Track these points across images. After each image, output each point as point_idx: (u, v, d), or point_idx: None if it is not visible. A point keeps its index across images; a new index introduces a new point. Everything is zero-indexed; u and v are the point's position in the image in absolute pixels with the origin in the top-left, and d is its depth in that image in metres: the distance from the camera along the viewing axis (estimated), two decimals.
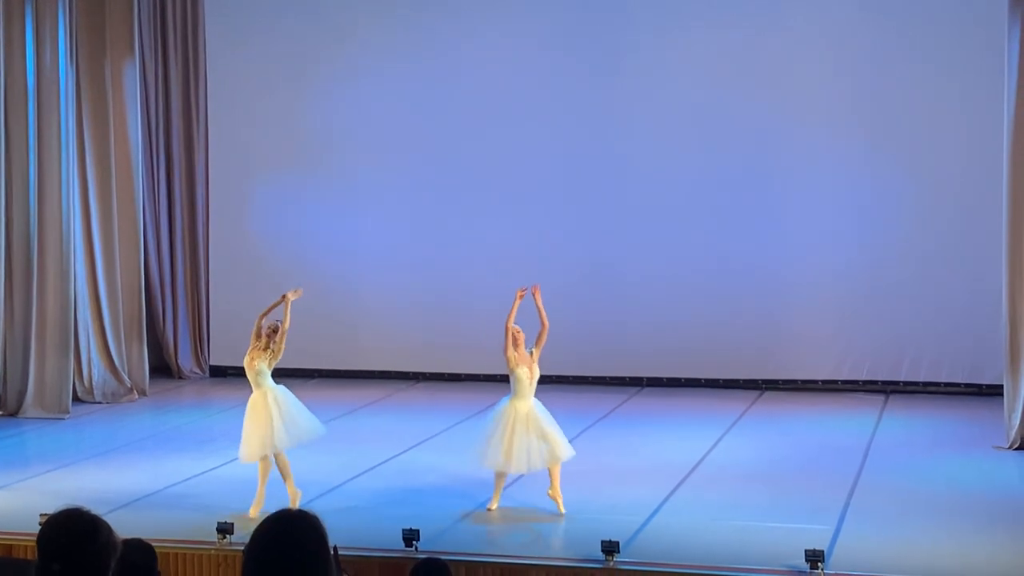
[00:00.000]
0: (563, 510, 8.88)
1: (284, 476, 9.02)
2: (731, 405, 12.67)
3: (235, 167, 14.87)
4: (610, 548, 7.69)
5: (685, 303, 13.71)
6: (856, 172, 13.46)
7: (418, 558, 7.64)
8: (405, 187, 14.52)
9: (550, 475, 9.00)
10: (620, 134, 13.97)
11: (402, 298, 14.41)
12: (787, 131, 13.59)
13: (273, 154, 14.77)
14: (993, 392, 12.22)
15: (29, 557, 7.17)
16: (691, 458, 10.52)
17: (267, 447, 8.96)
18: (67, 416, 12.51)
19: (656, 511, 8.93)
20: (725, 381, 13.70)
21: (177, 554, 8.05)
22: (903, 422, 12.07)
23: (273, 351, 9.35)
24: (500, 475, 9.06)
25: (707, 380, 13.66)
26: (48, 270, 12.65)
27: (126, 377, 13.44)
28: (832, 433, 11.58)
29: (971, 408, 12.54)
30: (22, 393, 12.60)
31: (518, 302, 9.17)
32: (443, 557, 6.32)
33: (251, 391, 9.38)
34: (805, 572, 7.44)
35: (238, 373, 14.70)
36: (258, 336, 9.39)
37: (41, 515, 6.70)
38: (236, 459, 10.55)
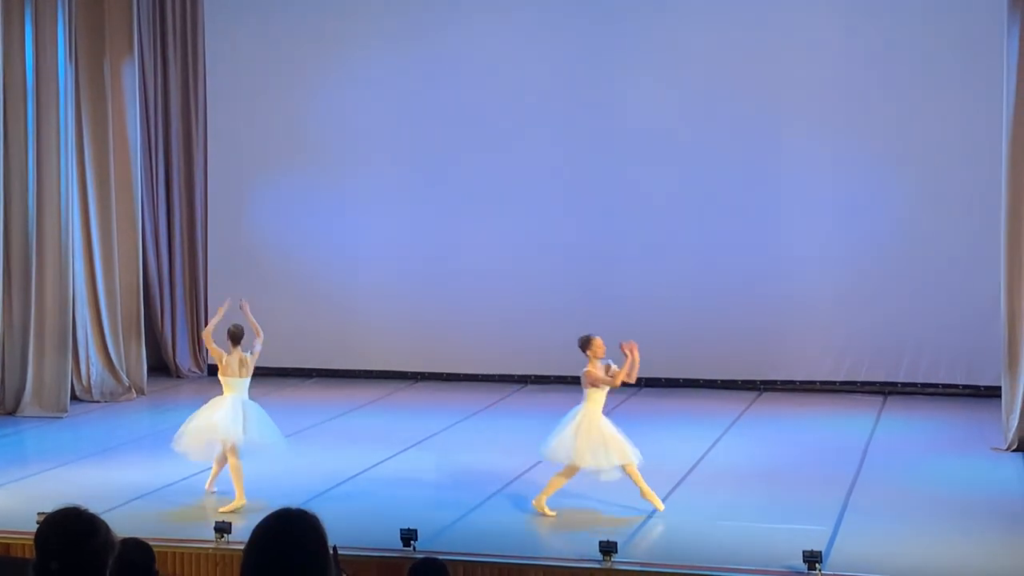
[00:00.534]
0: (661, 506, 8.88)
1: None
2: (729, 406, 12.67)
3: (233, 166, 14.87)
4: (608, 548, 7.70)
5: (683, 304, 13.71)
6: (854, 173, 13.46)
7: (416, 558, 7.64)
8: (403, 187, 14.52)
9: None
10: (617, 137, 13.97)
11: (400, 298, 14.41)
12: (785, 133, 13.59)
13: (271, 154, 14.77)
14: (991, 394, 12.22)
15: (27, 556, 7.16)
16: (689, 459, 10.53)
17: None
18: (65, 415, 12.50)
19: (654, 511, 8.92)
20: (723, 382, 13.70)
21: (175, 553, 8.05)
22: (901, 423, 12.07)
23: (246, 367, 9.40)
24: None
25: (705, 381, 13.66)
26: (47, 269, 12.64)
27: (124, 376, 13.44)
28: (830, 434, 11.58)
29: (969, 409, 12.54)
30: (20, 391, 12.60)
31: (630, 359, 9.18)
32: (441, 557, 6.32)
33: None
34: (803, 572, 7.44)
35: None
36: (228, 351, 9.40)
37: (39, 514, 6.72)
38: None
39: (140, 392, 13.59)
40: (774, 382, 13.60)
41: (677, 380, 13.83)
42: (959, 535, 8.44)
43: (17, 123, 12.51)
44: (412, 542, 7.93)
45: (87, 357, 13.20)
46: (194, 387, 14.40)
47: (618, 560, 7.71)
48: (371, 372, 14.47)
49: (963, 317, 13.10)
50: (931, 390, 13.33)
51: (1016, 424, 10.64)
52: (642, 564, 7.76)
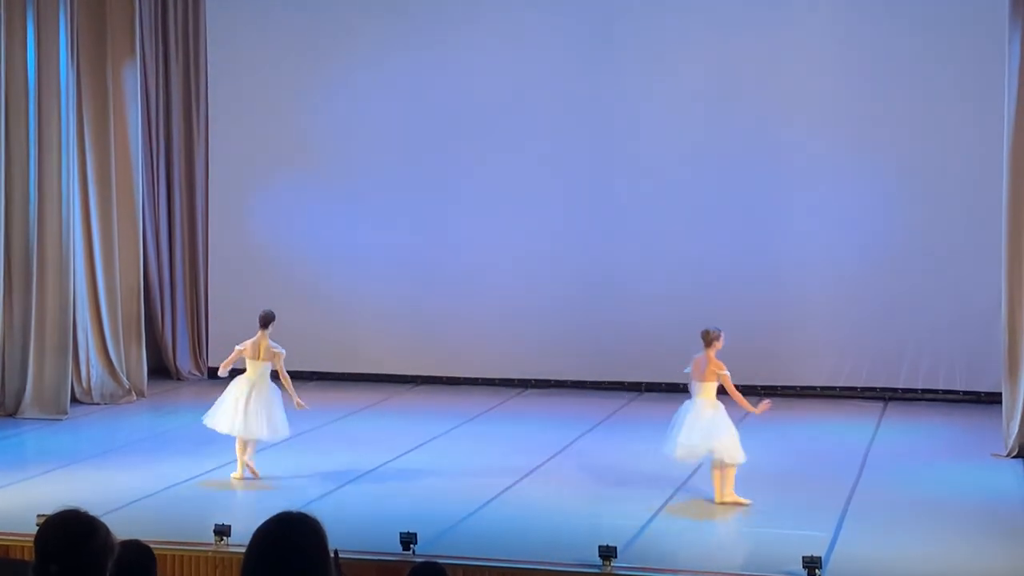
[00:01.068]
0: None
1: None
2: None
3: (235, 169, 14.88)
4: (608, 553, 7.69)
5: (684, 308, 13.69)
6: (855, 180, 13.46)
7: (416, 562, 7.62)
8: (404, 191, 14.52)
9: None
10: (621, 141, 13.97)
11: (400, 301, 14.41)
12: (786, 139, 13.60)
13: (273, 156, 14.77)
14: (991, 400, 12.22)
15: (26, 558, 7.16)
16: (689, 464, 10.50)
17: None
18: (65, 417, 12.49)
19: (654, 516, 8.93)
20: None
21: (174, 556, 8.04)
22: (901, 429, 12.06)
23: (262, 352, 10.04)
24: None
25: None
26: (47, 271, 12.64)
27: (124, 378, 13.43)
28: (830, 440, 11.58)
29: (969, 416, 12.54)
30: (20, 393, 12.59)
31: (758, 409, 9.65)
32: (441, 561, 6.31)
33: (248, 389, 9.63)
34: None
35: (236, 374, 14.73)
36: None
37: (39, 516, 6.71)
38: (234, 461, 10.58)
39: (140, 394, 13.58)
40: (775, 387, 13.57)
41: (677, 385, 13.77)
42: (959, 541, 8.44)
43: (19, 125, 12.51)
44: (412, 546, 7.93)
45: (87, 359, 13.20)
46: (194, 390, 14.40)
47: (618, 565, 7.70)
48: (371, 376, 14.46)
49: (963, 323, 13.10)
50: (931, 396, 13.33)
51: (1016, 430, 10.63)
52: (641, 569, 7.75)
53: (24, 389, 12.57)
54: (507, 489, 9.70)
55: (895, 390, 13.44)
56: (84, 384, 13.19)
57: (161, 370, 14.65)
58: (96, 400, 13.18)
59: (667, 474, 10.09)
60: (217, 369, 14.81)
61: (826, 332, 13.54)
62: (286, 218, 14.76)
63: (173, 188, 14.83)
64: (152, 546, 4.93)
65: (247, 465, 9.95)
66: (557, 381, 14.12)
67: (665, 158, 13.86)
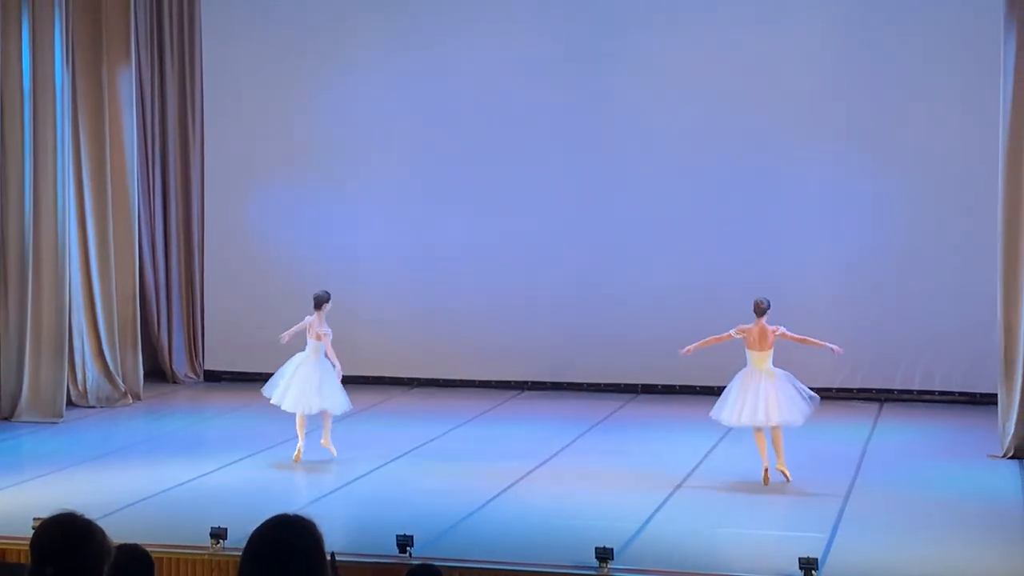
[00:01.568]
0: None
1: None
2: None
3: (231, 172, 14.87)
4: (604, 555, 7.68)
5: (680, 310, 13.70)
6: (850, 181, 13.47)
7: (412, 564, 7.62)
8: (400, 193, 14.52)
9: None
10: (618, 144, 13.97)
11: (397, 304, 14.40)
12: (782, 141, 13.61)
13: (269, 159, 14.77)
14: (987, 401, 12.23)
15: (23, 561, 7.15)
16: (686, 465, 10.52)
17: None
18: (61, 420, 12.48)
19: (650, 518, 8.93)
20: (720, 388, 13.63)
21: (171, 559, 8.03)
22: (898, 430, 12.07)
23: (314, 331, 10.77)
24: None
25: (702, 387, 13.61)
26: (43, 274, 12.63)
27: (120, 381, 13.42)
28: (827, 441, 11.57)
29: (965, 417, 12.55)
30: (16, 397, 12.58)
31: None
32: (437, 563, 6.31)
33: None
34: None
35: (233, 378, 14.78)
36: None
37: (34, 519, 6.70)
38: (230, 464, 10.60)
39: (136, 398, 13.57)
40: None
41: (673, 387, 13.83)
42: (956, 542, 8.44)
43: (14, 129, 12.50)
44: (408, 548, 7.92)
45: (83, 363, 13.18)
46: (190, 393, 14.40)
47: (614, 567, 7.70)
48: (367, 378, 14.41)
49: (960, 324, 13.11)
50: (928, 397, 13.34)
51: (1012, 431, 10.65)
52: (638, 571, 7.75)
53: (20, 392, 12.56)
54: (504, 491, 9.69)
55: (891, 391, 13.45)
56: (80, 387, 13.17)
57: (157, 373, 14.64)
58: (92, 403, 13.16)
59: (664, 475, 10.10)
60: (213, 372, 14.90)
61: (822, 334, 13.50)
62: (281, 221, 14.75)
63: (169, 191, 14.82)
64: (148, 549, 4.92)
65: (325, 445, 10.58)
66: (554, 383, 14.12)
67: (662, 162, 13.86)
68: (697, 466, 10.56)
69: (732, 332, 10.19)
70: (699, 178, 13.80)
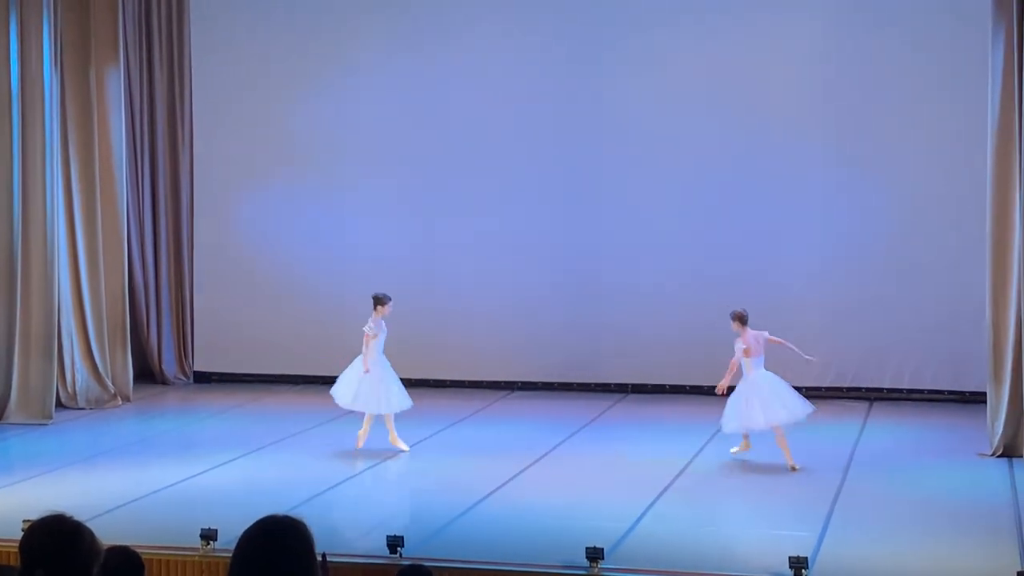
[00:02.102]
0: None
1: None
2: (716, 412, 12.60)
3: (220, 173, 14.85)
4: (595, 555, 7.69)
5: (670, 310, 13.73)
6: (839, 181, 13.49)
7: (402, 564, 7.62)
8: (390, 194, 14.51)
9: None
10: (607, 145, 13.98)
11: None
12: (772, 143, 13.62)
13: (258, 160, 14.76)
14: (976, 400, 12.25)
15: (12, 563, 7.15)
16: (676, 465, 10.53)
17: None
18: (50, 422, 12.45)
19: (641, 517, 8.94)
20: (710, 388, 13.66)
21: (161, 560, 8.02)
22: (887, 429, 12.09)
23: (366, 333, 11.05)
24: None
25: (692, 387, 13.66)
26: (32, 276, 12.60)
27: (110, 383, 13.40)
28: (816, 440, 11.59)
29: (954, 415, 12.57)
30: (5, 398, 12.55)
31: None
32: (428, 564, 6.30)
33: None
34: None
35: (222, 379, 14.76)
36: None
37: (24, 521, 6.68)
38: (220, 465, 10.59)
39: (126, 399, 13.54)
40: None
41: (663, 386, 13.84)
42: (945, 541, 8.46)
43: (2, 131, 12.46)
44: (399, 549, 7.92)
45: (72, 364, 13.16)
46: (180, 394, 14.38)
47: (605, 567, 7.70)
48: None
49: (949, 323, 13.14)
50: (917, 396, 13.36)
51: (1001, 430, 10.67)
52: (629, 571, 7.76)
53: (9, 394, 12.54)
54: (494, 492, 9.69)
55: (881, 390, 13.47)
56: (69, 389, 13.15)
57: (146, 374, 14.61)
58: (81, 405, 13.14)
59: (654, 475, 10.11)
60: (203, 373, 14.89)
61: (812, 333, 13.54)
62: (270, 222, 14.73)
63: (158, 192, 14.79)
64: (139, 551, 4.91)
65: (394, 442, 10.93)
66: (544, 383, 14.12)
67: (652, 163, 13.87)
68: (687, 466, 10.57)
69: (738, 352, 10.56)
70: (689, 180, 13.81)
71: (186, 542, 8.18)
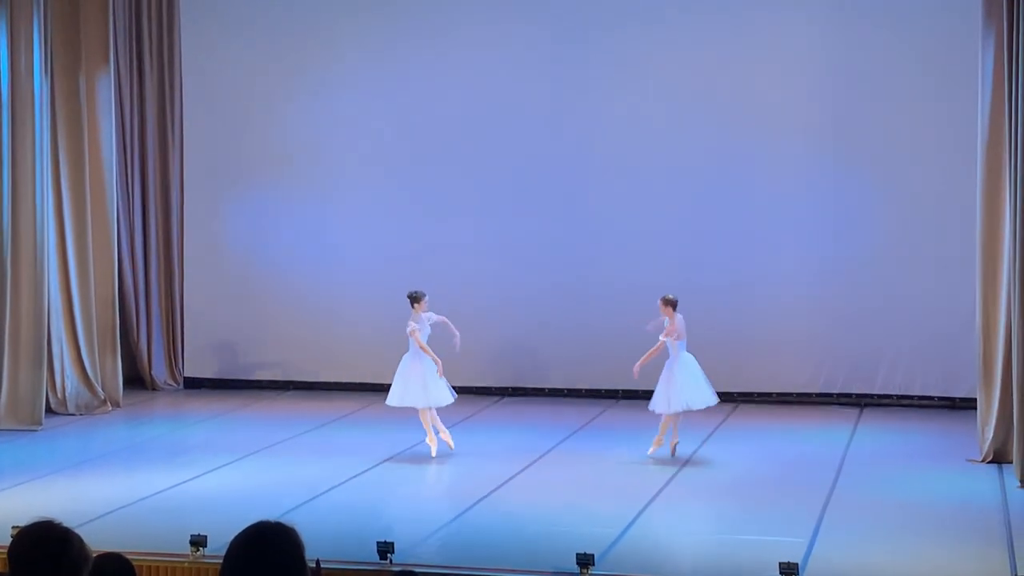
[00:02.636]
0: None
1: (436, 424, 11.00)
2: (706, 418, 12.65)
3: (211, 177, 14.83)
4: (585, 560, 7.69)
5: (660, 316, 13.71)
6: (829, 186, 13.51)
7: (393, 570, 7.63)
8: (382, 198, 14.50)
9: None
10: (598, 151, 13.98)
11: (376, 310, 14.35)
12: (760, 146, 13.63)
13: (249, 165, 14.74)
14: (966, 405, 12.27)
15: (1, 569, 7.12)
16: (666, 471, 10.54)
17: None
18: (40, 428, 12.41)
19: (631, 523, 8.93)
20: None
21: (151, 567, 8.01)
22: (877, 435, 12.10)
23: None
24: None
25: None
26: (22, 280, 12.57)
27: (99, 389, 13.36)
28: (806, 446, 11.61)
29: (944, 421, 12.59)
30: None
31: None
32: (418, 570, 6.31)
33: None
34: None
35: (213, 385, 14.74)
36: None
37: (12, 527, 6.66)
38: (210, 471, 10.56)
39: (116, 405, 13.51)
40: (751, 394, 13.62)
41: (652, 393, 13.81)
42: (935, 546, 8.47)
43: None
44: (389, 555, 7.91)
45: (62, 370, 13.12)
46: (170, 400, 14.35)
47: (595, 573, 7.70)
48: (348, 384, 14.41)
49: (939, 329, 13.16)
50: (907, 402, 13.38)
51: (991, 436, 10.68)
52: None
53: None
54: (484, 498, 9.69)
55: (871, 396, 13.48)
56: (59, 395, 13.12)
57: (136, 380, 14.58)
58: (71, 411, 13.10)
59: (644, 481, 10.11)
60: (193, 379, 14.86)
61: (802, 339, 13.58)
62: (261, 227, 14.72)
63: (148, 197, 14.77)
64: (128, 557, 4.90)
65: (443, 438, 11.03)
66: (534, 389, 14.11)
67: (642, 168, 13.87)
68: (677, 472, 10.57)
69: (661, 337, 11.04)
70: (680, 185, 13.81)
71: (176, 548, 8.17)
